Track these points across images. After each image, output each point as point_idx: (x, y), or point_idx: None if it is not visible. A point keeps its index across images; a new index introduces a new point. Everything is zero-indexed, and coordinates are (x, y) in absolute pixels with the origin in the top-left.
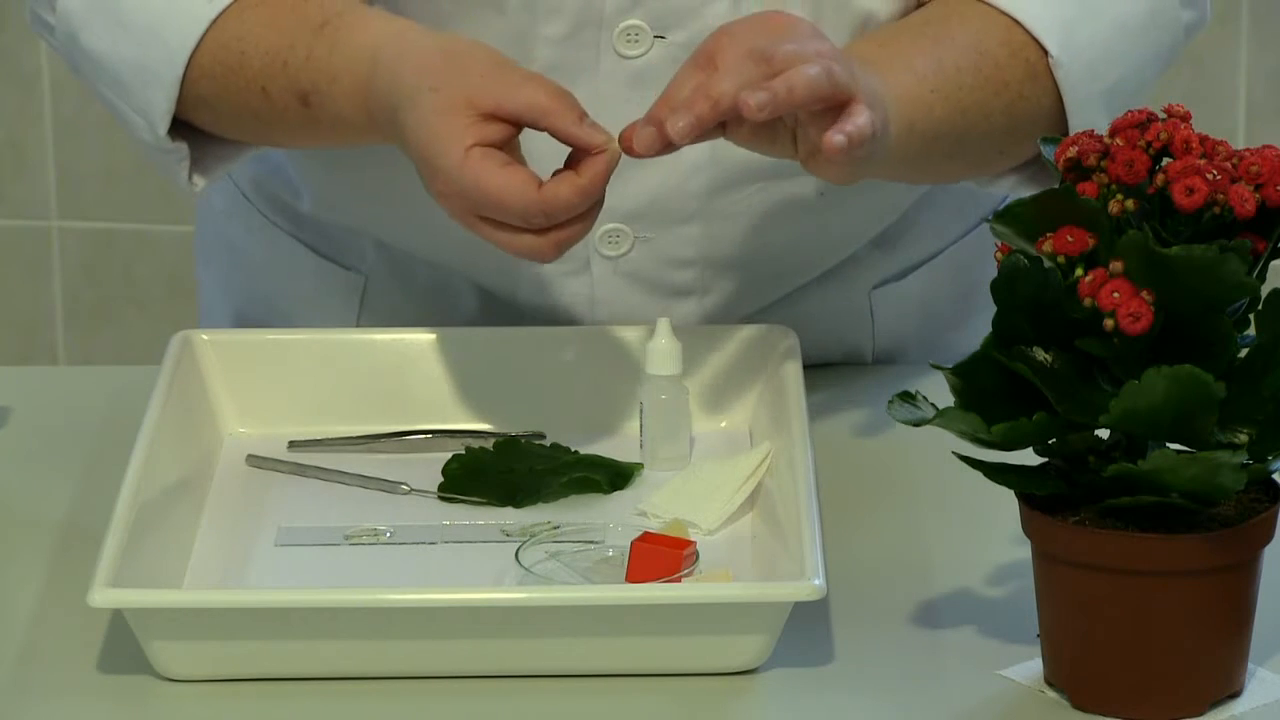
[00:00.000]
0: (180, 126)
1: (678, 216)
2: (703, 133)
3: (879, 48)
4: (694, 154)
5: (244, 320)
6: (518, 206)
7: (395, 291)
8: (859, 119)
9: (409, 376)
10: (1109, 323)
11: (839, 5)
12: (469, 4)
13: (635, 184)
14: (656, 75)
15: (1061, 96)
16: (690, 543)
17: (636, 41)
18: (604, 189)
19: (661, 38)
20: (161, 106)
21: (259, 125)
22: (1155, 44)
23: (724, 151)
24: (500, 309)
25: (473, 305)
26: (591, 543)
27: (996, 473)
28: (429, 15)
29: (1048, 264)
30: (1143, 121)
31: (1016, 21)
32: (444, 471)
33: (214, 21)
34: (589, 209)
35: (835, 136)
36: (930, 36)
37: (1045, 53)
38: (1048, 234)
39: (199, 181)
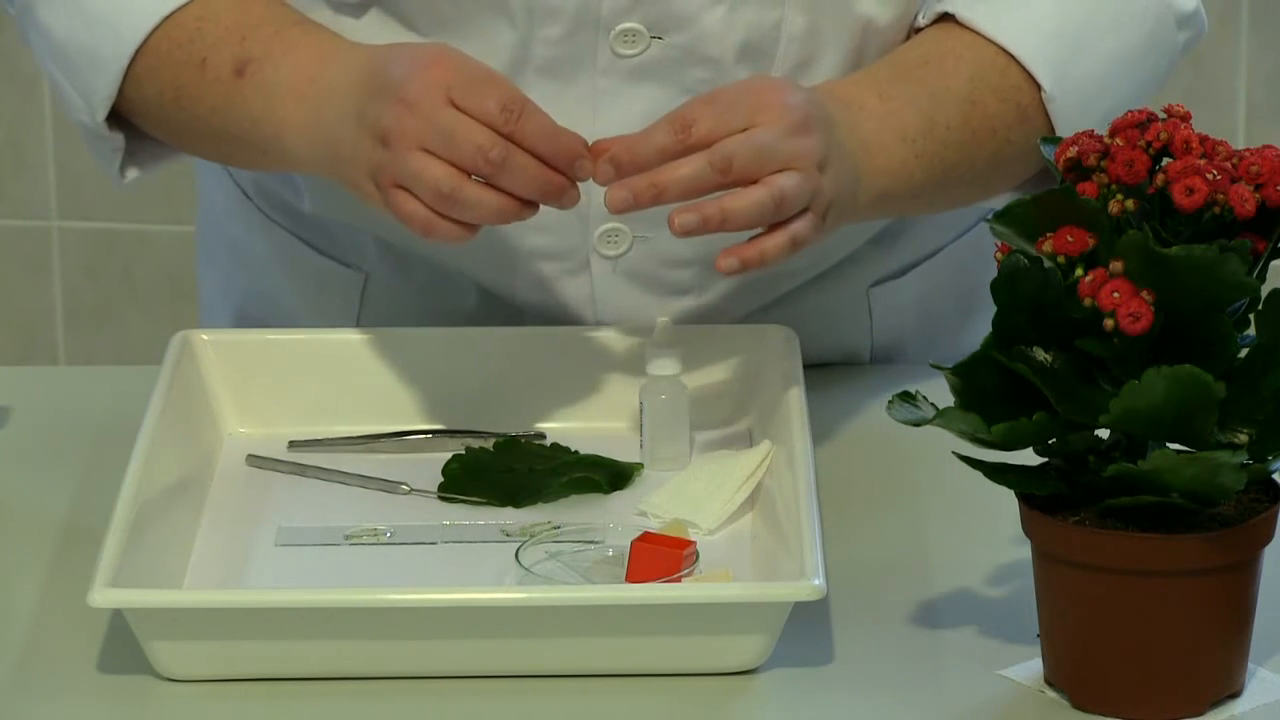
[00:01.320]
0: (120, 119)
1: None
2: (639, 209)
3: (879, 101)
4: None
5: (245, 317)
6: (504, 87)
7: (395, 289)
8: (771, 243)
9: (409, 376)
10: (1109, 323)
11: (838, 12)
12: (471, 8)
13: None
14: (654, 72)
15: (1052, 130)
16: (690, 543)
17: (633, 42)
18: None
19: (659, 38)
20: (103, 92)
21: (175, 109)
22: (1151, 69)
23: None
24: (500, 307)
25: (472, 302)
26: (591, 543)
27: (996, 473)
28: (430, 17)
29: (1048, 264)
30: (1143, 121)
31: (1011, 57)
32: (444, 471)
33: (169, 15)
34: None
35: (726, 260)
36: (927, 87)
37: (1038, 87)
38: (1048, 234)
39: (131, 173)
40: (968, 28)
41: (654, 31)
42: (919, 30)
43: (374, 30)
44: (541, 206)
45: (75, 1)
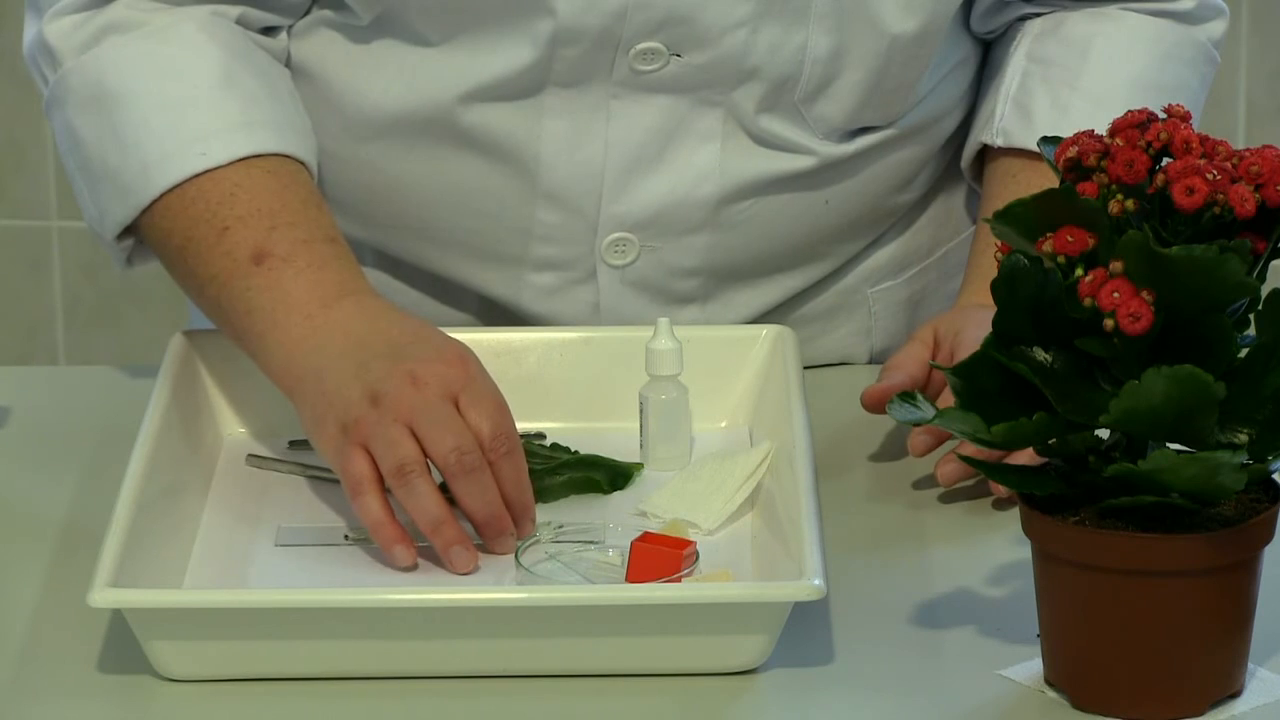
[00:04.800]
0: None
1: (685, 226)
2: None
3: None
4: (701, 163)
5: None
6: (507, 421)
7: (394, 298)
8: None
9: None
10: (1109, 323)
11: (864, 31)
12: (494, 29)
13: (642, 194)
14: (669, 85)
15: None
16: (690, 543)
17: (652, 59)
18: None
19: (678, 56)
20: (118, 218)
21: (177, 254)
22: (1206, 92)
23: (732, 162)
24: (500, 315)
25: (472, 311)
26: (591, 543)
27: (996, 473)
28: (447, 36)
29: (1048, 264)
30: (1143, 121)
31: None
32: None
33: (203, 171)
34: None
35: (948, 469)
36: None
37: None
38: (1048, 234)
39: (138, 265)
40: None
41: (673, 50)
42: (991, 144)
43: (385, 52)
44: (549, 211)
45: (111, 119)
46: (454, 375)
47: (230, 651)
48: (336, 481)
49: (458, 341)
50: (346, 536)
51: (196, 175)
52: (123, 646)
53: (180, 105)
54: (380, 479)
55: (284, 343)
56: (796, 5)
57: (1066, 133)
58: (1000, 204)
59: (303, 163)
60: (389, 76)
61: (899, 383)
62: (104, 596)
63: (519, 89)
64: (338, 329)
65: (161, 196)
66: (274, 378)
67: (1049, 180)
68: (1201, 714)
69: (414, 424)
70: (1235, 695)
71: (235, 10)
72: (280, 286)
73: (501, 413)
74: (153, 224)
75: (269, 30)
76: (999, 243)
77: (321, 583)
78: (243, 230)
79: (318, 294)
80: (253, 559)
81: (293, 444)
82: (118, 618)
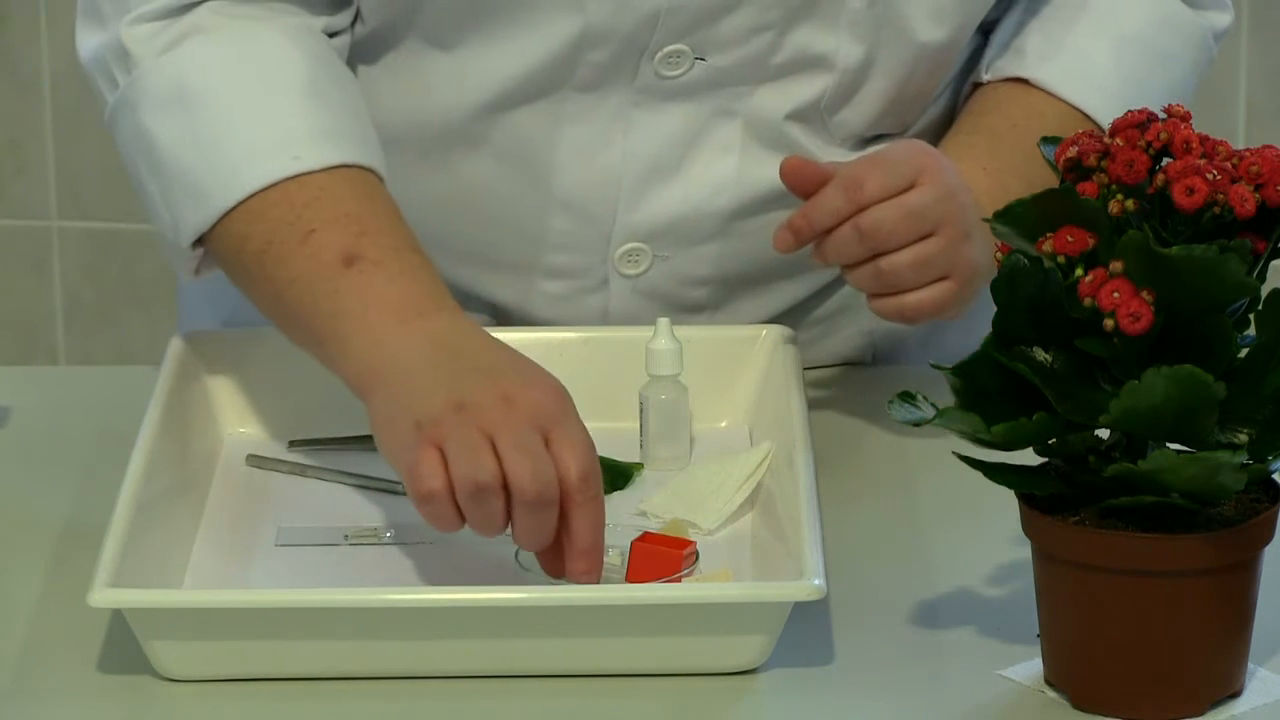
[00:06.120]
0: None
1: (698, 236)
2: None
3: (985, 174)
4: (719, 174)
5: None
6: (596, 467)
7: None
8: (911, 300)
9: None
10: (1109, 323)
11: (895, 40)
12: (514, 31)
13: (658, 204)
14: (690, 92)
15: None
16: (690, 543)
17: (676, 63)
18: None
19: (702, 59)
20: (196, 224)
21: (253, 259)
22: (1195, 84)
23: (749, 173)
24: (511, 322)
25: (484, 320)
26: None
27: (996, 473)
28: (464, 33)
29: (1048, 264)
30: (1143, 121)
31: (1086, 116)
32: None
33: (291, 176)
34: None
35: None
36: (1022, 151)
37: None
38: (1048, 234)
39: (205, 274)
40: (1041, 89)
41: (698, 53)
42: (980, 83)
43: (402, 59)
44: (563, 219)
45: (194, 121)
46: (549, 407)
47: (230, 651)
48: (336, 482)
49: (554, 377)
50: (346, 537)
51: (283, 180)
52: (123, 646)
53: (266, 109)
54: (451, 489)
55: (372, 344)
56: (828, 11)
57: (1056, 67)
58: (979, 107)
59: (380, 179)
60: (405, 84)
61: (818, 170)
62: (104, 596)
63: (537, 91)
64: (431, 337)
65: (243, 200)
66: (351, 378)
67: (1030, 100)
68: (1201, 714)
69: (496, 439)
70: (1235, 695)
71: (320, 21)
72: (373, 290)
73: (591, 457)
74: (229, 229)
75: (335, 34)
76: (999, 242)
77: (321, 583)
78: (330, 234)
79: (411, 302)
80: (253, 559)
81: (293, 444)
82: (118, 618)
